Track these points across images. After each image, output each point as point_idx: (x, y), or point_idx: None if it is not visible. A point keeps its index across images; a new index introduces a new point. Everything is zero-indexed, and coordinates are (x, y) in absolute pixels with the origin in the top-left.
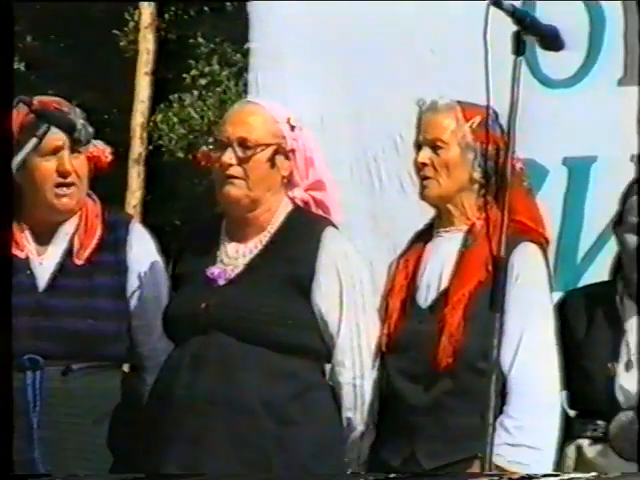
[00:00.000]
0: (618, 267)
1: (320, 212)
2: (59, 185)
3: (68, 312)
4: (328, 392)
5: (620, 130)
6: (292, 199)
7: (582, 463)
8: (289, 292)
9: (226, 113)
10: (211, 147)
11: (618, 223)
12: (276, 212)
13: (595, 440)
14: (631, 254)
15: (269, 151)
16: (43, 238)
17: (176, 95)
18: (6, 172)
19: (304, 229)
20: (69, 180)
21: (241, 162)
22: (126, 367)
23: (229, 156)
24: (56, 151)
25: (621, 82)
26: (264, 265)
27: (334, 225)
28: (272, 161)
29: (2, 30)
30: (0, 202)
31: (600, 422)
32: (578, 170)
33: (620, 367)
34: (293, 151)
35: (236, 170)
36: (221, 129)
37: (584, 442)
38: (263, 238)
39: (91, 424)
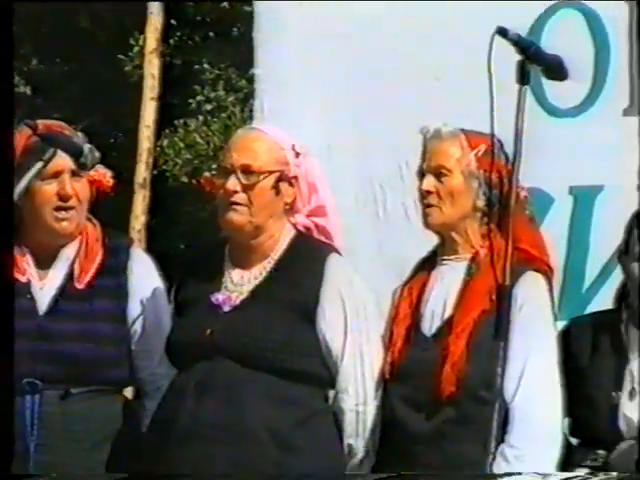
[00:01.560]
0: (623, 296)
1: (322, 238)
2: (59, 209)
3: (68, 336)
4: (331, 418)
5: (626, 159)
6: (294, 225)
7: None
8: (293, 319)
9: (230, 139)
10: (215, 173)
11: (624, 252)
12: (279, 239)
13: (595, 469)
14: (636, 283)
15: (273, 178)
16: (44, 262)
17: (181, 120)
18: (7, 195)
19: (308, 256)
20: (69, 204)
21: (245, 189)
22: (129, 393)
23: (233, 183)
24: (57, 174)
25: (626, 112)
26: (268, 292)
27: (338, 252)
28: (276, 188)
29: (2, 30)
30: (1, 225)
31: (601, 452)
32: (584, 199)
33: (624, 396)
34: (296, 178)
35: (240, 197)
36: (225, 155)
37: (583, 472)
38: (267, 265)
39: (89, 448)
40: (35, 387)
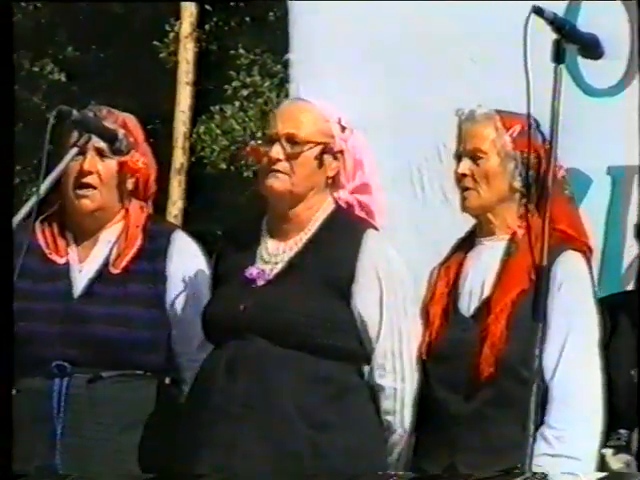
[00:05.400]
0: None
1: (364, 215)
2: (80, 186)
3: (101, 319)
4: (367, 394)
5: None
6: (336, 200)
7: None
8: (328, 294)
9: (277, 109)
10: (260, 142)
11: None
12: (318, 211)
13: (618, 449)
14: None
15: (317, 149)
16: (86, 244)
17: (217, 106)
18: (7, 197)
19: (345, 230)
20: (89, 181)
21: (288, 158)
22: (167, 379)
23: (277, 151)
24: (82, 152)
25: None
26: (303, 265)
27: (376, 228)
28: (320, 160)
29: (2, 30)
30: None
31: (622, 431)
32: (622, 179)
33: None
34: (342, 152)
35: (282, 165)
36: (271, 124)
37: (608, 452)
38: (304, 236)
39: (117, 433)
40: (64, 370)
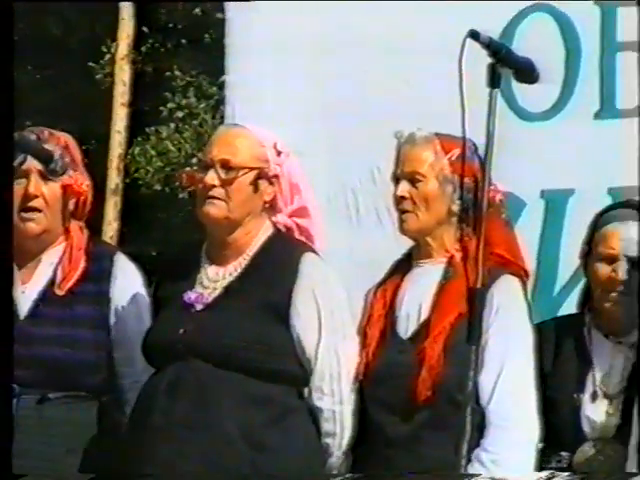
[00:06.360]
0: (587, 299)
1: (303, 239)
2: (25, 209)
3: (47, 341)
4: (307, 416)
5: (597, 163)
6: (275, 224)
7: None
8: (266, 317)
9: (213, 134)
10: (195, 168)
11: (587, 253)
12: (256, 236)
13: (560, 471)
14: (600, 284)
15: (252, 175)
16: (28, 266)
17: (153, 128)
18: (6, 197)
19: (283, 254)
20: (34, 204)
21: (223, 184)
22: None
23: (211, 177)
24: (26, 175)
25: (597, 115)
26: (242, 289)
27: (314, 251)
28: (255, 185)
29: (2, 30)
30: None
31: (563, 453)
32: (556, 203)
33: (586, 398)
34: (277, 176)
35: (218, 191)
36: (206, 150)
37: (546, 474)
38: (242, 261)
39: (64, 453)
40: (12, 391)
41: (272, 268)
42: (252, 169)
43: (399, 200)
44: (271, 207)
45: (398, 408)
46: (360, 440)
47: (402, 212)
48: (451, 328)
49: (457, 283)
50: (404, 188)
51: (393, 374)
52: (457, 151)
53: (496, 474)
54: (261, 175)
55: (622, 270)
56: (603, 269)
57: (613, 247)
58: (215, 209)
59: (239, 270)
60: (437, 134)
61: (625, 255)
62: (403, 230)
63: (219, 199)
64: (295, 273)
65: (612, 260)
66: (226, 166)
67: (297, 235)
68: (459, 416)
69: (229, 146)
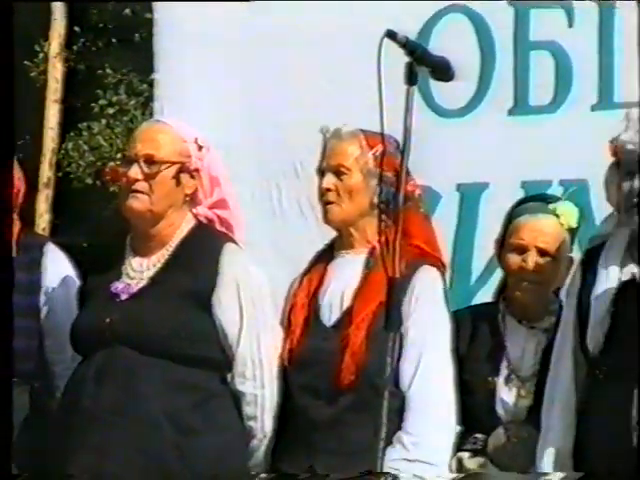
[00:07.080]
0: (503, 289)
1: (224, 230)
2: None
3: None
4: (230, 400)
5: (511, 158)
6: (196, 216)
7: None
8: (190, 306)
9: (136, 130)
10: (119, 163)
11: (501, 245)
12: (178, 228)
13: (475, 452)
14: (512, 273)
15: (174, 169)
16: None
17: (85, 124)
18: (6, 196)
19: (205, 244)
20: None
21: (146, 178)
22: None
23: (135, 171)
24: None
25: (511, 112)
26: (166, 279)
27: (234, 241)
28: (177, 179)
29: (2, 30)
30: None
31: (479, 435)
32: (470, 196)
33: (500, 381)
34: (197, 170)
35: (141, 185)
36: (130, 145)
37: (464, 455)
38: (165, 252)
39: None
40: None
41: (194, 258)
42: (174, 163)
43: (324, 192)
44: (192, 200)
45: (322, 392)
46: (284, 423)
47: (326, 203)
48: (373, 316)
49: (379, 273)
50: (329, 180)
51: (317, 360)
52: (381, 147)
53: (417, 456)
54: (183, 169)
55: (532, 260)
56: (514, 259)
57: (523, 238)
58: (138, 202)
59: (162, 261)
60: (362, 130)
61: (535, 246)
62: (327, 220)
63: (142, 193)
64: (217, 263)
65: (522, 250)
66: (149, 161)
67: (218, 226)
68: (379, 400)
69: (152, 142)
